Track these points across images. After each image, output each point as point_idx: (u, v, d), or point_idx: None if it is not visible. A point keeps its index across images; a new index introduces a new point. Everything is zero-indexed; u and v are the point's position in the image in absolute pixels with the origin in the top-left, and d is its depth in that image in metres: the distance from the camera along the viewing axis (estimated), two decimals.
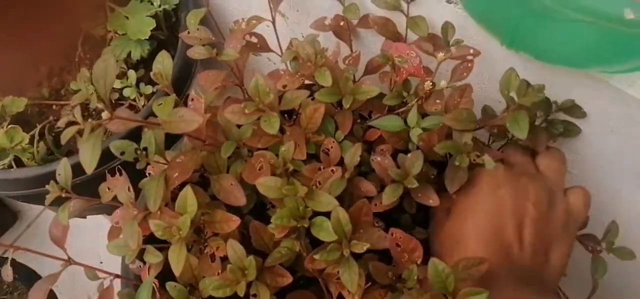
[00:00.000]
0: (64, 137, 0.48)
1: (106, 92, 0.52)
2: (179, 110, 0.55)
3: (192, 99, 0.61)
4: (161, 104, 0.57)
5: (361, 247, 0.54)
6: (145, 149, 0.56)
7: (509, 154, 0.65)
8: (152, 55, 0.88)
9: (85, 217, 1.05)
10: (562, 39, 0.56)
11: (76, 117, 0.49)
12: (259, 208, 0.67)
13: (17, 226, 1.57)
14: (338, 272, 0.58)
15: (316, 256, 0.54)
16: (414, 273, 0.54)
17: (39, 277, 1.11)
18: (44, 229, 1.58)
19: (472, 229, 0.58)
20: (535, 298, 0.54)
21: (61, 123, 0.50)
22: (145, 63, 0.88)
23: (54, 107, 0.85)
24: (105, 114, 0.52)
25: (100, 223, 1.27)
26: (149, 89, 0.83)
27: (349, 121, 0.67)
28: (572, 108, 0.65)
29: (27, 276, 1.10)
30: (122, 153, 0.56)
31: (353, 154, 0.61)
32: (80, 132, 0.50)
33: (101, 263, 1.30)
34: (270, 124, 0.57)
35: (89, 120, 0.50)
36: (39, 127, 0.78)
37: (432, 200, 0.59)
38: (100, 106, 0.52)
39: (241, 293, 0.54)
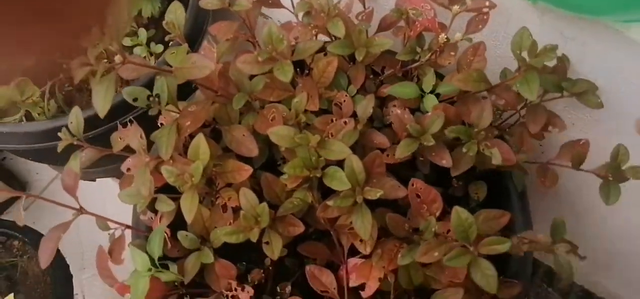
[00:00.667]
0: (77, 77, 0.48)
1: (119, 36, 0.51)
2: (191, 56, 0.55)
3: (204, 49, 0.61)
4: (174, 52, 0.56)
5: (374, 194, 0.53)
6: (157, 96, 0.56)
7: None
8: (162, 14, 0.88)
9: (94, 180, 1.05)
10: None
11: (90, 58, 0.49)
12: (270, 164, 0.67)
13: (21, 201, 1.58)
14: (350, 223, 0.57)
15: (329, 203, 0.54)
16: (432, 225, 0.54)
17: None
18: (52, 197, 1.59)
19: None
20: None
21: (75, 70, 0.50)
22: (156, 23, 0.87)
23: (64, 65, 0.84)
24: (118, 58, 0.52)
25: (108, 186, 1.28)
26: (159, 48, 0.83)
27: (361, 76, 0.66)
28: (587, 94, 0.62)
29: (36, 240, 1.10)
30: (135, 100, 0.55)
31: (366, 105, 0.60)
32: (93, 74, 0.50)
33: (109, 233, 1.30)
34: (283, 72, 0.56)
35: (103, 61, 0.50)
36: (49, 84, 0.78)
37: (446, 161, 0.58)
38: (113, 48, 0.51)
39: (254, 239, 0.54)
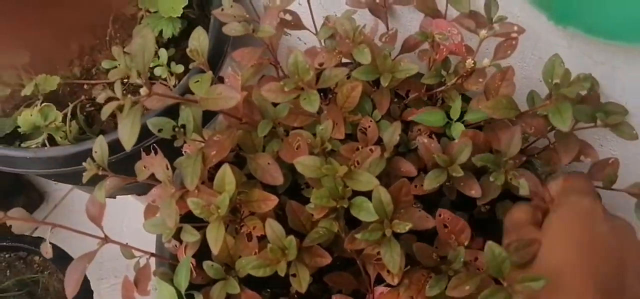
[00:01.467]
0: (104, 113, 0.48)
1: (145, 68, 0.51)
2: (217, 87, 0.54)
3: (229, 77, 0.60)
4: (198, 81, 0.56)
5: (403, 227, 0.52)
6: (183, 126, 0.55)
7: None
8: (182, 34, 0.88)
9: (114, 197, 1.05)
10: (618, 8, 0.53)
11: (116, 92, 0.48)
12: (294, 189, 0.66)
13: (43, 206, 1.59)
14: (377, 253, 0.57)
15: (357, 236, 0.53)
16: (460, 255, 0.53)
17: (69, 257, 1.12)
18: (70, 209, 1.59)
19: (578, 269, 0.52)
20: None
21: (100, 99, 0.50)
22: (176, 42, 0.87)
23: (85, 86, 0.84)
24: (143, 90, 0.51)
25: (129, 203, 1.28)
26: (180, 68, 0.82)
27: (386, 100, 0.65)
28: (622, 126, 0.60)
29: (57, 256, 1.10)
30: (160, 130, 0.55)
31: (392, 132, 0.59)
32: (119, 109, 0.50)
33: (126, 243, 1.31)
34: (309, 102, 0.55)
35: (128, 96, 0.49)
36: (71, 106, 0.78)
37: (475, 191, 0.57)
38: (139, 81, 0.51)
39: (282, 273, 0.54)
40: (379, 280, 0.60)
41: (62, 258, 1.11)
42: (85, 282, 1.12)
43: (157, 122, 0.55)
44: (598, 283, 0.50)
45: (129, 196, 1.14)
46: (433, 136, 0.62)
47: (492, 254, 0.47)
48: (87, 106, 0.83)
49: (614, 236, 0.53)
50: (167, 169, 0.56)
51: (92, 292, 1.11)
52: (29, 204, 1.54)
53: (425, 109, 0.65)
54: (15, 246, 1.10)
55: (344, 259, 0.63)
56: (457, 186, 0.57)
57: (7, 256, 1.11)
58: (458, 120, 0.62)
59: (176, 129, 0.55)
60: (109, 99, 0.50)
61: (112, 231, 0.60)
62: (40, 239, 1.14)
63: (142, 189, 1.05)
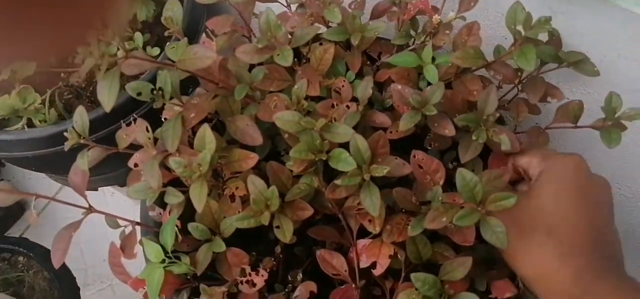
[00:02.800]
0: (83, 70, 0.49)
1: (121, 30, 0.52)
2: (192, 47, 0.56)
3: (203, 42, 0.62)
4: (174, 47, 0.57)
5: (381, 171, 0.54)
6: (161, 89, 0.57)
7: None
8: (156, 20, 0.89)
9: (96, 189, 1.06)
10: None
11: (93, 52, 0.50)
12: (273, 156, 0.68)
13: (25, 217, 1.58)
14: (358, 204, 0.58)
15: (337, 182, 0.55)
16: (438, 193, 0.55)
17: None
18: (50, 220, 1.59)
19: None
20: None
21: (78, 60, 0.51)
22: (150, 27, 0.88)
23: (61, 74, 0.85)
24: (120, 53, 0.53)
25: (110, 194, 1.28)
26: (155, 51, 0.84)
27: (358, 61, 0.67)
28: (583, 63, 0.64)
29: (41, 255, 1.11)
30: (139, 94, 0.56)
31: (365, 86, 0.61)
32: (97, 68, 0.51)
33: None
34: (283, 57, 0.57)
35: (105, 55, 0.51)
36: (49, 92, 0.79)
37: (448, 130, 0.59)
38: (116, 44, 0.52)
39: (265, 222, 0.55)
40: (362, 235, 0.62)
41: (45, 257, 1.12)
42: (72, 280, 1.12)
43: (135, 86, 0.56)
44: (589, 230, 0.53)
45: (110, 187, 1.14)
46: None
47: (463, 180, 0.50)
48: (65, 93, 0.83)
49: (599, 189, 0.57)
50: (148, 131, 0.58)
51: (78, 289, 1.12)
52: (8, 215, 1.53)
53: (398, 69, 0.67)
54: None
55: (326, 216, 0.64)
56: (432, 126, 0.59)
57: None
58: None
59: (154, 92, 0.56)
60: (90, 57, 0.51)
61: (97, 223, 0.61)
62: (24, 240, 1.15)
63: (123, 179, 1.06)
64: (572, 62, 0.61)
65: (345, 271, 0.61)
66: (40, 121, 0.76)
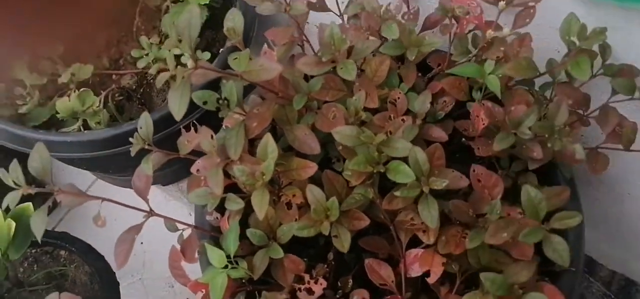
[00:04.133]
0: (159, 82, 0.51)
1: (191, 41, 0.54)
2: (258, 60, 0.57)
3: (265, 52, 0.63)
4: (236, 58, 0.59)
5: (440, 184, 0.55)
6: (226, 99, 0.58)
7: None
8: (205, 24, 0.90)
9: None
10: None
11: (169, 65, 0.51)
12: (325, 163, 0.69)
13: (57, 211, 1.61)
14: (411, 218, 0.60)
15: (396, 194, 0.56)
16: (496, 207, 0.56)
17: (94, 250, 1.14)
18: (82, 214, 1.61)
19: None
20: None
21: (152, 71, 0.52)
22: (200, 32, 0.90)
23: (113, 76, 0.87)
24: (190, 63, 0.54)
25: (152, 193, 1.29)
26: (206, 55, 0.85)
27: (412, 74, 0.68)
28: None
29: (82, 249, 1.13)
30: (205, 103, 0.58)
31: (423, 101, 0.62)
32: (170, 79, 0.52)
33: (141, 242, 1.33)
34: (346, 71, 0.58)
35: (179, 66, 0.52)
36: (103, 94, 0.81)
37: (536, 153, 0.59)
38: (187, 54, 0.54)
39: (325, 232, 0.56)
40: (411, 246, 0.63)
41: (87, 252, 1.14)
42: (112, 274, 1.14)
43: (202, 95, 0.58)
44: None
45: (154, 186, 1.16)
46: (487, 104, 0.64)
47: (528, 197, 0.50)
48: (117, 94, 0.85)
49: None
50: (213, 138, 0.59)
51: (118, 284, 1.14)
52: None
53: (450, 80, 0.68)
54: (41, 241, 1.12)
55: (377, 226, 0.65)
56: (522, 149, 0.59)
57: (33, 251, 1.13)
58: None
59: (220, 102, 0.58)
60: (161, 71, 0.52)
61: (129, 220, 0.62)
62: (65, 234, 1.17)
63: (166, 179, 1.08)
64: None
65: (392, 281, 0.62)
66: (95, 123, 0.78)
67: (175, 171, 1.04)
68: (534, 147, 0.59)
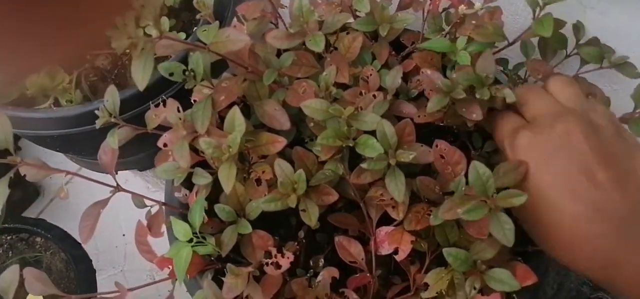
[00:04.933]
0: (119, 48, 0.50)
1: (155, 10, 0.53)
2: (225, 30, 0.56)
3: (235, 25, 0.62)
4: (205, 30, 0.58)
5: (407, 156, 0.55)
6: (192, 71, 0.57)
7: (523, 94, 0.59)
8: (182, 5, 0.90)
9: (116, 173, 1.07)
10: None
11: (129, 31, 0.50)
12: (297, 142, 0.68)
13: (40, 200, 1.59)
14: (380, 195, 0.59)
15: (363, 165, 0.55)
16: (461, 183, 0.55)
17: (69, 237, 1.13)
18: (65, 203, 1.60)
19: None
20: None
21: (115, 45, 0.51)
22: (176, 13, 0.89)
23: (87, 56, 0.86)
24: (154, 32, 0.53)
25: (126, 178, 1.28)
26: (181, 36, 0.84)
27: (385, 51, 0.68)
28: (625, 65, 0.63)
29: (59, 236, 1.12)
30: (171, 74, 0.57)
31: (394, 75, 0.62)
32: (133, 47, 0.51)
33: (123, 235, 1.32)
34: (315, 43, 0.58)
35: (142, 35, 0.51)
36: (75, 73, 0.79)
37: (476, 114, 0.59)
38: (151, 24, 0.53)
39: (293, 205, 0.55)
40: (382, 224, 0.62)
41: (63, 238, 1.13)
42: (88, 262, 1.14)
43: (168, 66, 0.57)
44: (588, 202, 0.49)
45: (128, 172, 1.15)
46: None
47: (476, 174, 0.50)
48: (91, 75, 0.84)
49: (599, 152, 0.50)
50: (179, 111, 0.58)
51: (95, 271, 1.13)
52: (25, 198, 1.54)
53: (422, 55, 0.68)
54: (17, 228, 1.11)
55: (348, 204, 0.65)
56: (459, 110, 0.59)
57: (8, 237, 1.12)
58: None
59: (186, 73, 0.57)
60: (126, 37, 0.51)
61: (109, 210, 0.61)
62: (42, 221, 1.16)
63: (143, 164, 1.07)
64: (615, 63, 0.61)
65: (362, 259, 0.61)
66: (66, 101, 0.77)
67: (151, 155, 1.03)
68: (473, 108, 0.58)
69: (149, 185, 1.21)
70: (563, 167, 0.50)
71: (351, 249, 0.62)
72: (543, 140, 0.52)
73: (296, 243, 0.65)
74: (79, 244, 1.12)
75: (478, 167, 0.51)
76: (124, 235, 1.34)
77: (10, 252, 1.10)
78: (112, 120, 0.59)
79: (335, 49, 0.68)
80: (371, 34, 0.70)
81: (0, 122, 0.54)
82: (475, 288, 0.53)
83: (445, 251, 0.54)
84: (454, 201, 0.54)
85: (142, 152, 0.96)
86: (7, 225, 1.10)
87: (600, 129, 0.51)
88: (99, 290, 1.27)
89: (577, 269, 0.50)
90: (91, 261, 1.14)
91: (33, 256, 1.08)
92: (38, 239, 1.12)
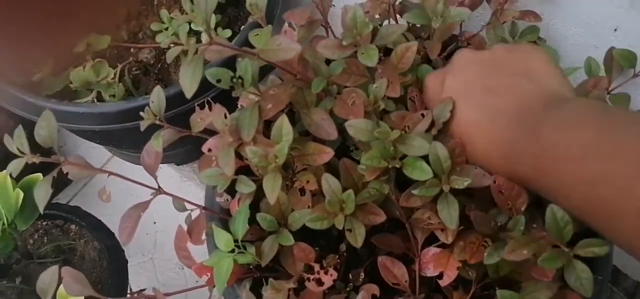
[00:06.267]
0: (169, 57, 0.48)
1: (207, 15, 0.51)
2: (276, 38, 0.54)
3: (285, 31, 0.61)
4: (258, 34, 0.56)
5: (461, 183, 0.52)
6: (240, 77, 0.56)
7: None
8: (228, 2, 0.88)
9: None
10: None
11: (181, 37, 0.49)
12: (343, 150, 0.66)
13: (72, 186, 1.61)
14: (428, 218, 0.57)
15: (414, 192, 0.53)
16: (520, 222, 0.52)
17: (104, 227, 1.13)
18: (95, 191, 1.61)
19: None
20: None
21: (164, 44, 0.50)
22: (222, 9, 0.88)
23: (131, 49, 0.85)
24: (205, 38, 0.52)
25: (165, 173, 1.28)
26: (227, 33, 0.83)
27: (437, 46, 0.65)
28: None
29: (93, 225, 1.12)
30: (219, 81, 0.55)
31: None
32: (183, 54, 0.50)
33: (154, 222, 1.32)
34: (368, 56, 0.56)
35: (192, 41, 0.50)
36: (119, 67, 0.79)
37: None
38: (202, 29, 0.51)
39: (339, 226, 0.54)
40: (426, 245, 0.60)
41: (97, 228, 1.13)
42: (121, 252, 1.14)
43: (216, 72, 0.56)
44: (487, 108, 0.54)
45: (166, 165, 1.15)
46: None
47: (553, 218, 0.47)
48: (134, 69, 0.83)
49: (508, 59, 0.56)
50: (226, 117, 0.57)
51: (126, 261, 1.13)
52: (57, 183, 1.55)
53: None
54: (52, 214, 1.12)
55: (393, 222, 0.63)
56: None
57: (44, 223, 1.12)
58: None
59: (234, 80, 0.56)
60: (174, 44, 0.50)
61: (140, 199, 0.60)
62: (77, 209, 1.16)
63: (180, 159, 1.07)
64: None
65: (406, 281, 0.59)
66: (110, 96, 0.76)
67: (189, 150, 1.02)
68: None
69: (184, 178, 1.21)
70: (467, 91, 0.56)
71: (395, 271, 0.60)
72: (453, 80, 0.58)
73: (337, 256, 0.63)
74: (112, 233, 1.12)
75: (556, 212, 0.48)
76: (154, 223, 1.34)
77: (46, 238, 1.11)
78: (157, 122, 0.58)
79: (387, 55, 0.65)
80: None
81: (46, 119, 0.54)
82: None
83: (499, 293, 0.51)
84: (518, 241, 0.51)
85: (180, 147, 0.96)
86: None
87: (493, 52, 0.57)
88: (129, 278, 1.28)
89: (496, 171, 0.54)
90: (124, 251, 1.14)
91: (67, 244, 1.09)
92: (72, 226, 1.12)
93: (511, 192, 0.56)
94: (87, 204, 1.22)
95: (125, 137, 0.79)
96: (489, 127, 0.53)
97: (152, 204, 0.61)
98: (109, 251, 1.09)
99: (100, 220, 1.15)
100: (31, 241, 1.09)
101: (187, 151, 1.01)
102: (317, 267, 0.56)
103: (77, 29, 0.26)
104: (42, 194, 0.54)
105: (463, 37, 0.70)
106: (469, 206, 0.57)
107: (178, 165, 1.10)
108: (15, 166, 0.53)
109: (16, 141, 0.53)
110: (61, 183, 1.55)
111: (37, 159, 0.54)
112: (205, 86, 0.74)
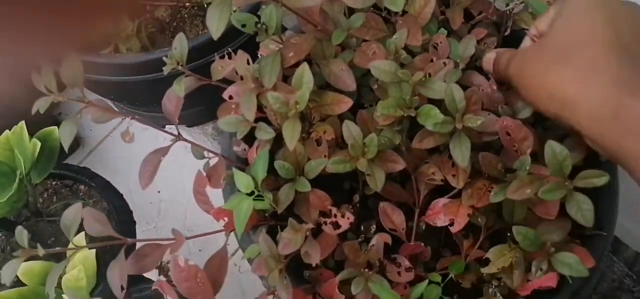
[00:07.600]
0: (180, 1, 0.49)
1: None
2: None
3: None
4: None
5: (474, 122, 0.53)
6: (264, 24, 0.56)
7: None
8: None
9: (164, 127, 1.07)
10: None
11: None
12: (358, 107, 0.67)
13: (79, 151, 1.62)
14: (432, 172, 0.58)
15: (429, 127, 0.54)
16: (526, 163, 0.53)
17: (112, 188, 1.14)
18: (105, 155, 1.62)
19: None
20: None
21: None
22: None
23: (147, 7, 0.86)
24: None
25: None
26: None
27: (459, 16, 0.66)
28: None
29: (102, 186, 1.13)
30: (244, 26, 0.56)
31: (467, 44, 0.60)
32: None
33: (158, 191, 1.33)
34: (394, 2, 0.56)
35: None
36: (136, 22, 0.80)
37: None
38: None
39: (363, 169, 0.55)
40: (433, 197, 0.61)
41: (106, 188, 1.14)
42: (129, 213, 1.15)
43: (241, 17, 0.56)
44: (611, 48, 0.48)
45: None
46: None
47: (552, 153, 0.48)
48: (150, 26, 0.84)
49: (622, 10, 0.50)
50: (249, 63, 0.58)
51: (135, 222, 1.14)
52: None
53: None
54: (62, 174, 1.12)
55: (400, 174, 0.63)
56: None
57: (53, 183, 1.13)
58: None
59: (258, 26, 0.56)
60: None
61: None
62: (86, 169, 1.17)
63: (192, 120, 1.07)
64: None
65: (403, 229, 0.61)
66: (127, 49, 0.77)
67: (200, 112, 1.03)
68: None
69: (193, 137, 1.22)
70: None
71: (394, 218, 0.61)
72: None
73: (350, 207, 0.64)
74: (121, 195, 1.13)
75: (554, 147, 0.49)
76: (159, 192, 1.35)
77: (55, 197, 1.12)
78: (179, 68, 0.59)
79: (405, 13, 0.66)
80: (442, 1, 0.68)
81: (72, 62, 0.54)
82: (541, 270, 0.52)
83: (515, 229, 0.52)
84: (522, 180, 0.52)
85: (191, 108, 0.96)
86: (53, 170, 1.11)
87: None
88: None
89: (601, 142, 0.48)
90: (132, 212, 1.15)
91: (76, 203, 1.10)
92: (82, 187, 1.13)
93: (518, 134, 0.57)
94: (95, 169, 1.23)
95: (141, 92, 0.79)
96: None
97: (158, 172, 0.61)
98: (118, 211, 1.10)
99: (108, 181, 1.16)
100: (41, 199, 1.10)
101: (198, 111, 1.02)
102: (334, 210, 0.57)
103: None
104: (67, 132, 0.55)
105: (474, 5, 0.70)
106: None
107: (189, 127, 1.11)
108: (42, 103, 0.54)
109: (44, 79, 0.53)
110: (70, 147, 1.56)
111: (62, 98, 0.54)
112: (224, 40, 0.76)
